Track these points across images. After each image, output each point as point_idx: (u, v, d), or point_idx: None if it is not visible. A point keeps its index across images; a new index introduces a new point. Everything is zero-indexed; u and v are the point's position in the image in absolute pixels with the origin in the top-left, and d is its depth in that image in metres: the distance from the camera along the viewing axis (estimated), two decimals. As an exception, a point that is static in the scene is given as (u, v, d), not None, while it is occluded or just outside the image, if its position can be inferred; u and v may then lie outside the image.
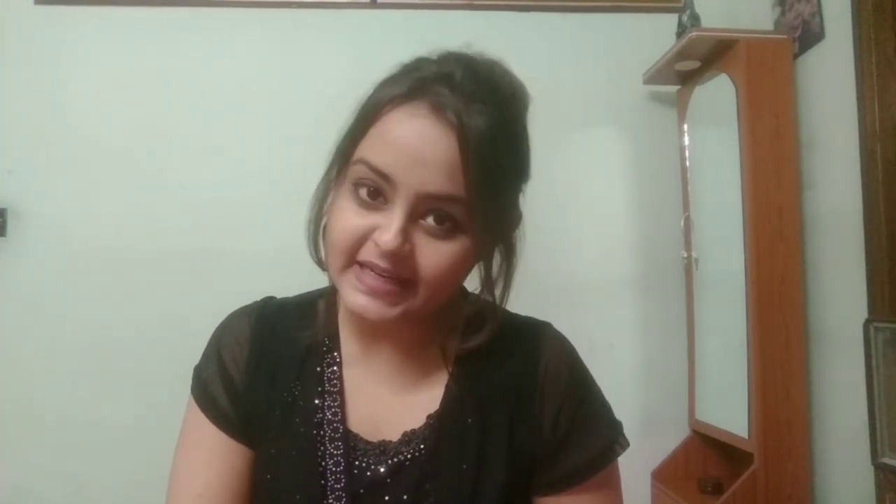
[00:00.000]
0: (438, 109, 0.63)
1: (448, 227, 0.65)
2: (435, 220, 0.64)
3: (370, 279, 0.65)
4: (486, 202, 0.64)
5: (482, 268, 0.71)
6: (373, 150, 0.65)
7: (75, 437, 1.99)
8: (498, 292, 0.72)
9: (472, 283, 0.74)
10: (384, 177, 0.64)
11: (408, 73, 0.68)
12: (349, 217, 0.65)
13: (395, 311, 0.66)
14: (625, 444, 0.75)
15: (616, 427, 0.75)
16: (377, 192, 0.65)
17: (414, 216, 0.64)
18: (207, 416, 0.74)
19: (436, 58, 0.69)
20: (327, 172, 0.72)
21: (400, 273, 0.65)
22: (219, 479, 0.72)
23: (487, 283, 0.71)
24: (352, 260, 0.66)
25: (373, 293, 0.65)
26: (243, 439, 0.74)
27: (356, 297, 0.66)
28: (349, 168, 0.67)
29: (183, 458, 0.75)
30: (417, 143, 0.63)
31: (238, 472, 0.73)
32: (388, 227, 0.63)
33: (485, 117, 0.64)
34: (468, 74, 0.66)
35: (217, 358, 0.76)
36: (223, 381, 0.75)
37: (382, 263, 0.64)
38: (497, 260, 0.72)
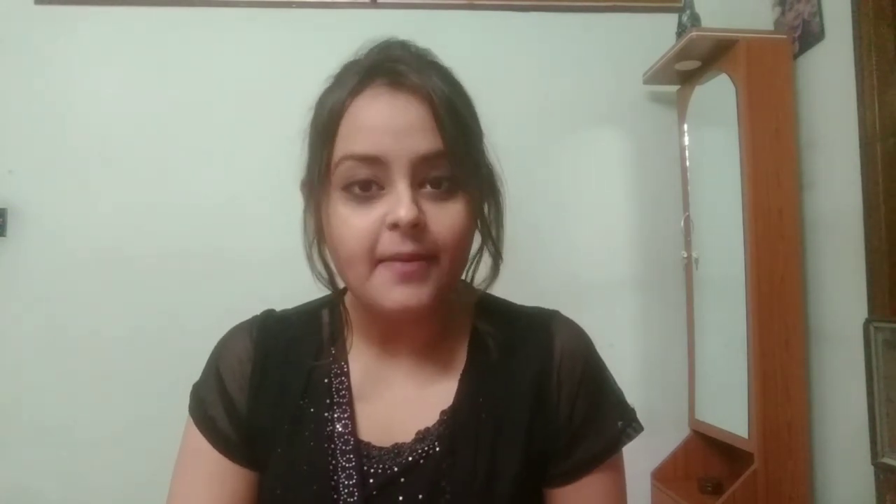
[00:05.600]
0: (397, 82, 0.66)
1: (446, 186, 0.66)
2: (432, 185, 0.66)
3: (399, 266, 0.64)
4: (465, 152, 0.67)
5: (479, 221, 0.71)
6: (352, 142, 0.65)
7: (75, 437, 1.99)
8: (494, 238, 0.72)
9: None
10: (374, 160, 0.64)
11: (350, 69, 0.69)
12: (352, 221, 0.65)
13: (428, 290, 0.65)
14: (638, 429, 0.75)
15: (629, 412, 0.76)
16: (369, 183, 0.65)
17: (413, 186, 0.65)
18: (207, 439, 0.72)
19: (370, 49, 0.70)
20: (308, 201, 0.71)
21: (423, 249, 0.64)
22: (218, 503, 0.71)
23: (484, 231, 0.71)
24: (373, 260, 0.65)
25: (406, 278, 0.64)
26: (245, 462, 0.72)
27: (391, 292, 0.65)
28: (332, 176, 0.66)
29: (181, 481, 0.73)
30: (391, 115, 0.65)
31: (239, 496, 0.72)
32: (398, 203, 0.63)
33: (439, 79, 0.67)
34: (409, 50, 0.69)
35: (217, 378, 0.74)
36: (224, 402, 0.73)
37: (405, 248, 0.64)
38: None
